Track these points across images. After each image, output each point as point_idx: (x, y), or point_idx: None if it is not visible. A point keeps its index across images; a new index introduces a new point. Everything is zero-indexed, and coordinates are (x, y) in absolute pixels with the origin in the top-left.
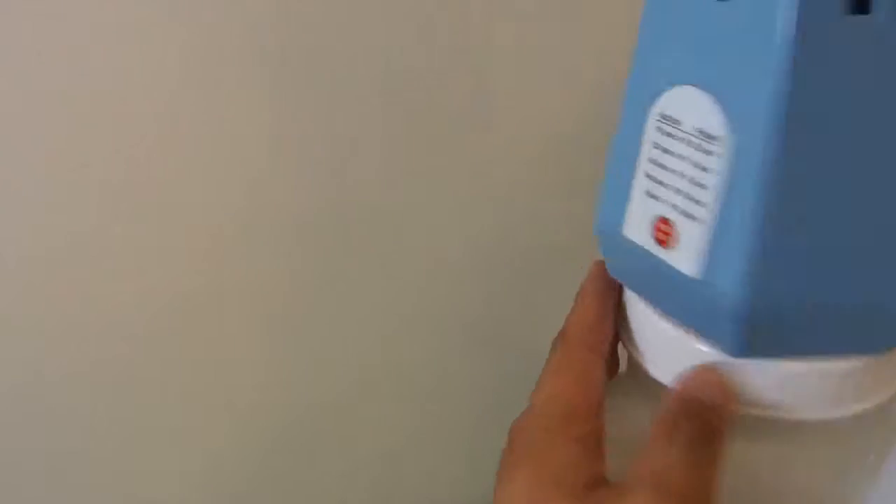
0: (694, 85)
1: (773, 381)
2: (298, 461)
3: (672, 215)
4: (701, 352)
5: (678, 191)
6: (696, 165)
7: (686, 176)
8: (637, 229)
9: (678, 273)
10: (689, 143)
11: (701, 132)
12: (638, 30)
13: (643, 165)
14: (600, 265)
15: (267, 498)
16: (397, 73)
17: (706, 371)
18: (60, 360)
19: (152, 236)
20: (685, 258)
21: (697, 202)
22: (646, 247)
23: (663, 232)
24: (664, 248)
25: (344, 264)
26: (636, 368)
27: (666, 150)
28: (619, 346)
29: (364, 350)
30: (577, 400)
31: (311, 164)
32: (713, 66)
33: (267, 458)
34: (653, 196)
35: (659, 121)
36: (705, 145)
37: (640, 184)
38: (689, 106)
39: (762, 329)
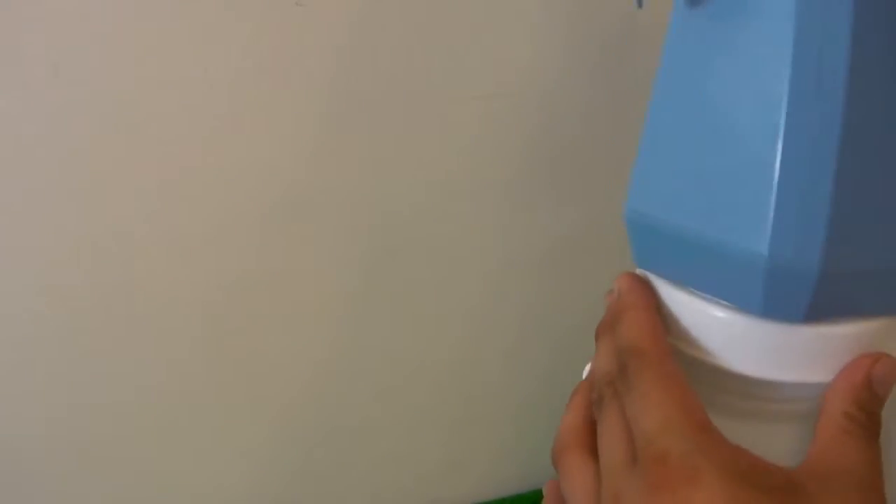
0: None
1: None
2: (341, 450)
3: None
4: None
5: None
6: None
7: None
8: None
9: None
10: None
11: None
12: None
13: None
14: (629, 276)
15: (315, 483)
16: (421, 75)
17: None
18: (101, 356)
19: (190, 231)
20: None
21: None
22: None
23: None
24: None
25: (383, 259)
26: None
27: None
28: None
29: (404, 341)
30: (699, 407)
31: (354, 164)
32: None
33: (309, 449)
34: None
35: None
36: None
37: None
38: None
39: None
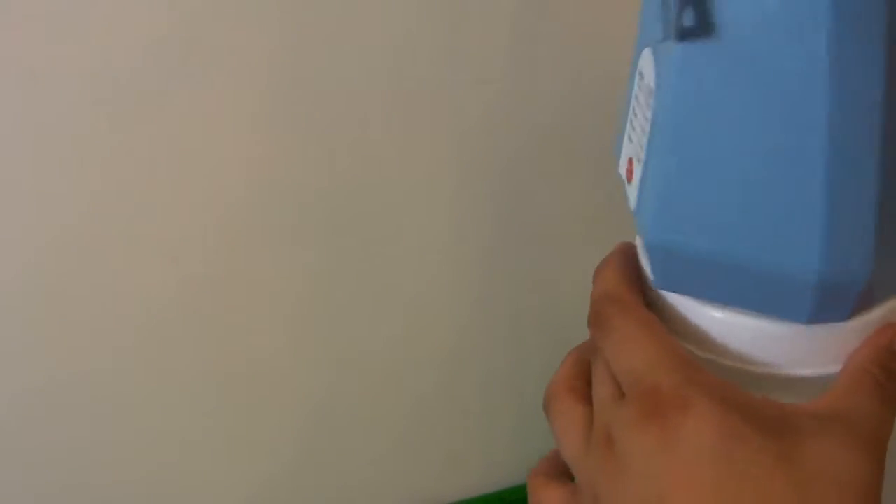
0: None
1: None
2: (340, 445)
3: (634, 156)
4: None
5: (637, 135)
6: (644, 115)
7: (639, 123)
8: (622, 168)
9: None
10: (646, 95)
11: (648, 86)
12: None
13: (629, 114)
14: (624, 243)
15: (314, 479)
16: (399, 62)
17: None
18: (69, 355)
19: (157, 229)
20: (632, 193)
21: (641, 146)
22: (624, 182)
23: (629, 171)
24: (628, 183)
25: (351, 253)
26: None
27: (637, 101)
28: None
29: (378, 336)
30: (681, 346)
31: (318, 151)
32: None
33: (307, 445)
34: (630, 139)
35: (637, 76)
36: (649, 98)
37: (627, 129)
38: (649, 64)
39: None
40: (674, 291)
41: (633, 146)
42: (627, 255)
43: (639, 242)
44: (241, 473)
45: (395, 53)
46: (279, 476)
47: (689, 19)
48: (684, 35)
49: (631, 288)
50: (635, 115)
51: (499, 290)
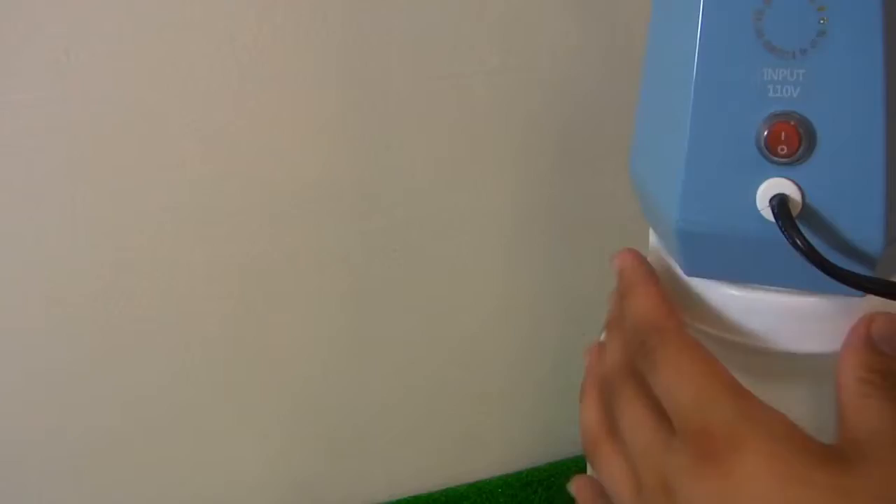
0: None
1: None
2: (359, 428)
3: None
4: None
5: None
6: None
7: None
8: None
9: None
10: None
11: None
12: None
13: None
14: (627, 256)
15: (334, 462)
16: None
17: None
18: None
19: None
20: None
21: None
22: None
23: None
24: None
25: (377, 240)
26: None
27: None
28: None
29: (401, 320)
30: (729, 373)
31: (366, 145)
32: None
33: (328, 429)
34: None
35: None
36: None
37: None
38: None
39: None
40: (706, 277)
41: None
42: (645, 265)
43: (661, 235)
44: (260, 452)
45: (421, 44)
46: (300, 458)
47: None
48: None
49: (668, 310)
50: None
51: (518, 277)
